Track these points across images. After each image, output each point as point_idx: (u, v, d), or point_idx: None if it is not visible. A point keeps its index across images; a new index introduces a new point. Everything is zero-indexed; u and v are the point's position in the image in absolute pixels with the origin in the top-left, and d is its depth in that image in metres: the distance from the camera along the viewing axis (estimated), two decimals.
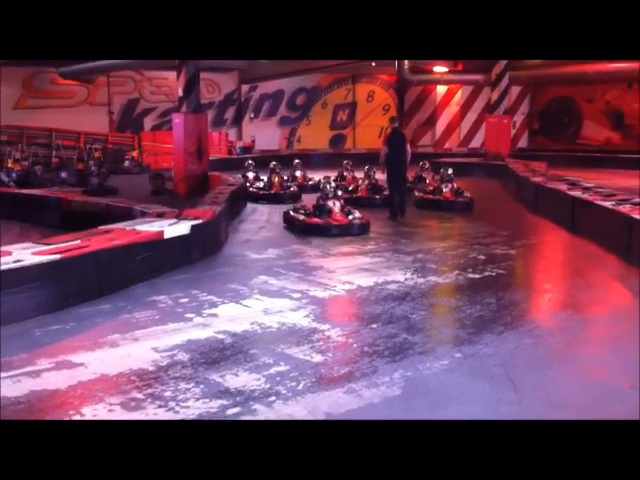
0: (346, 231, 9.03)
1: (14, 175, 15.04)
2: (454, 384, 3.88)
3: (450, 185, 12.00)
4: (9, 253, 5.40)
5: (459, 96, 24.92)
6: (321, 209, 9.53)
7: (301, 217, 9.53)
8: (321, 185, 10.22)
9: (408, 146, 10.89)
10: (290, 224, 9.60)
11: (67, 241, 5.91)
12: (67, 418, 3.40)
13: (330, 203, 9.55)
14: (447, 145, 25.14)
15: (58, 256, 5.36)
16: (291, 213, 9.79)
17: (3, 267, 4.96)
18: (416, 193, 12.47)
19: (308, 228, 9.14)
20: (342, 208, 9.55)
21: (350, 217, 9.35)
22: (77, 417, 3.42)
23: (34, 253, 5.39)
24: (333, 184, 10.39)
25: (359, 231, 9.09)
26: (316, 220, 9.26)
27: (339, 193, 11.36)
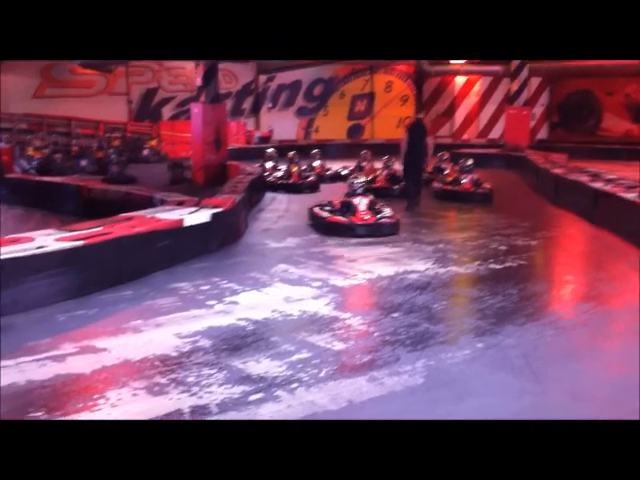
0: (373, 231, 8.19)
1: (35, 163, 15.11)
2: (476, 374, 3.87)
3: (470, 176, 11.91)
4: (32, 239, 5.44)
5: (478, 87, 24.74)
6: (347, 207, 8.71)
7: (325, 214, 8.67)
8: (349, 180, 9.33)
9: (428, 138, 11.02)
10: (314, 222, 8.82)
11: (89, 228, 5.95)
12: (91, 402, 3.43)
13: (356, 200, 8.69)
14: (465, 136, 24.98)
15: (81, 242, 5.40)
16: (315, 210, 8.93)
17: (27, 253, 5.00)
18: (435, 184, 12.41)
19: (331, 227, 8.35)
20: (370, 205, 8.73)
21: (378, 216, 8.50)
22: (102, 401, 3.45)
23: (57, 239, 5.43)
24: (362, 178, 9.45)
25: (388, 231, 8.24)
26: (339, 219, 8.42)
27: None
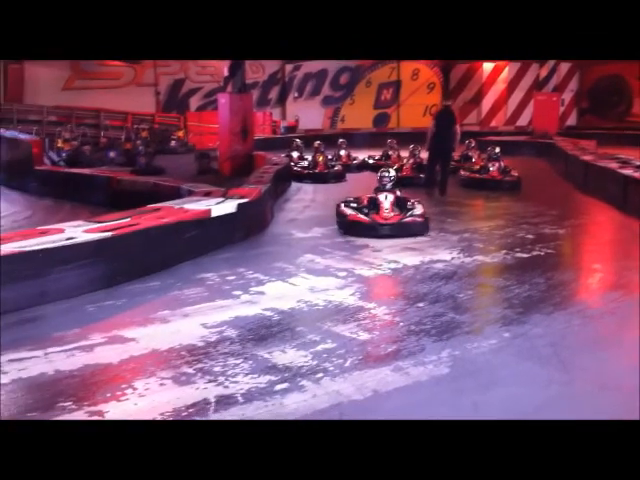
0: (396, 231, 7.46)
1: (64, 155, 15.31)
2: (503, 364, 3.85)
3: (497, 164, 11.82)
4: (61, 231, 5.52)
5: (506, 73, 24.45)
6: (373, 203, 7.96)
7: (347, 212, 7.87)
8: (379, 173, 8.44)
9: (457, 126, 10.97)
10: (339, 220, 8.00)
11: (117, 219, 6.01)
12: (119, 392, 3.48)
13: (381, 196, 7.91)
14: (493, 123, 24.74)
15: (109, 234, 5.46)
16: (341, 207, 8.07)
17: (56, 244, 5.08)
18: (462, 172, 12.32)
19: (352, 226, 7.66)
20: (398, 202, 7.98)
21: (407, 214, 7.74)
22: (129, 391, 3.50)
23: (86, 231, 5.51)
24: (392, 172, 8.48)
25: (415, 231, 7.53)
26: (361, 217, 7.71)
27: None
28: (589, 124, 23.50)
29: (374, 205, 7.95)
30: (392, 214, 7.79)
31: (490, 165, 11.86)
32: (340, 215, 8.00)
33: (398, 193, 8.16)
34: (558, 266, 6.18)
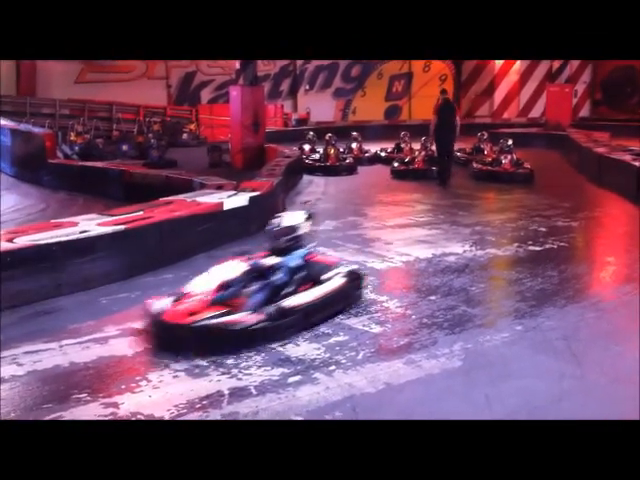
0: None
1: (77, 148, 15.36)
2: (515, 357, 3.86)
3: (509, 156, 11.76)
4: (75, 224, 5.56)
5: (518, 65, 24.29)
6: None
7: None
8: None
9: (458, 118, 11.42)
10: None
11: (131, 212, 6.04)
12: (134, 384, 3.51)
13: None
14: (506, 115, 24.62)
15: (122, 227, 5.49)
16: None
17: (70, 237, 5.12)
18: (474, 164, 12.29)
19: None
20: None
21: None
22: (144, 382, 3.53)
23: (99, 224, 5.54)
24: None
25: None
26: None
27: (395, 164, 11.70)
28: (602, 116, 23.32)
29: None
30: None
31: (502, 157, 11.81)
32: None
33: None
34: (571, 259, 6.16)
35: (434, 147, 12.18)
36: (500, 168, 11.67)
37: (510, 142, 12.06)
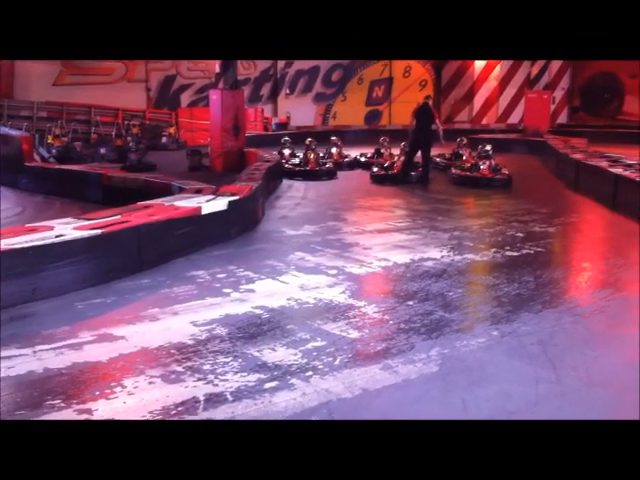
0: None
1: (54, 151, 15.24)
2: (492, 362, 3.87)
3: (488, 162, 11.87)
4: (51, 228, 5.51)
5: (498, 71, 24.52)
6: None
7: None
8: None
9: (437, 121, 12.00)
10: None
11: (108, 216, 6.00)
12: (108, 390, 3.48)
13: None
14: (485, 121, 24.81)
15: (99, 231, 5.44)
16: None
17: (46, 241, 5.06)
18: (453, 170, 12.38)
19: None
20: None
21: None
22: (118, 389, 3.49)
23: (75, 228, 5.49)
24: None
25: None
26: None
27: (374, 169, 12.00)
28: (581, 122, 23.59)
29: None
30: None
31: (481, 163, 11.91)
32: None
33: None
34: (548, 264, 6.20)
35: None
36: (478, 173, 11.77)
37: (489, 148, 12.14)
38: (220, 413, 3.22)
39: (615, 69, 22.96)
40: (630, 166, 9.60)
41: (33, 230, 5.40)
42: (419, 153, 12.01)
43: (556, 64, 22.89)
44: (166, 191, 8.47)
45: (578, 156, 11.63)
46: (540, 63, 19.15)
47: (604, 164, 10.08)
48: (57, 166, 12.94)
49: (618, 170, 9.30)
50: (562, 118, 24.46)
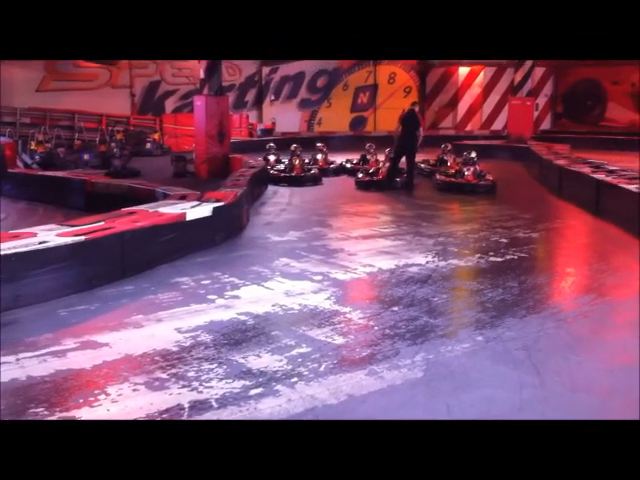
0: None
1: (37, 157, 15.16)
2: (476, 367, 3.88)
3: (472, 168, 11.94)
4: (34, 234, 5.46)
5: (481, 78, 24.67)
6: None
7: None
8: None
9: (421, 129, 12.05)
10: None
11: (91, 223, 5.96)
12: (92, 398, 3.45)
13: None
14: (469, 127, 24.94)
15: (82, 237, 5.41)
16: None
17: (29, 248, 5.02)
18: (437, 176, 12.45)
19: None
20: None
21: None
22: (102, 396, 3.47)
23: (58, 234, 5.45)
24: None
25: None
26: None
27: (359, 175, 12.08)
28: (564, 128, 23.78)
29: None
30: None
31: (465, 169, 11.99)
32: None
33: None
34: (531, 270, 6.24)
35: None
36: (463, 179, 11.85)
37: (474, 154, 12.20)
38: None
39: (598, 76, 23.19)
40: (612, 172, 9.69)
41: (16, 237, 5.36)
42: (404, 159, 12.06)
43: (539, 71, 23.09)
44: (150, 197, 8.44)
45: (561, 162, 11.72)
46: (523, 70, 19.29)
47: (587, 170, 10.17)
48: (40, 172, 12.87)
49: (601, 176, 9.38)
50: (545, 124, 24.66)
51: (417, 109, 12.36)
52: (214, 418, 3.22)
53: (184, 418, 3.23)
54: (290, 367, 3.86)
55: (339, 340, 4.31)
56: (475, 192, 11.37)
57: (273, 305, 5.03)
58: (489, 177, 11.93)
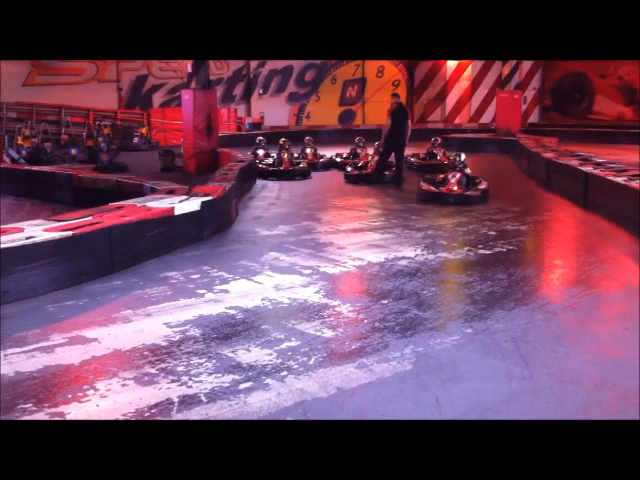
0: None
1: (24, 152, 15.06)
2: (465, 360, 3.89)
3: (458, 175, 10.24)
4: (21, 230, 5.43)
5: (469, 71, 24.72)
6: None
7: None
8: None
9: (409, 122, 12.01)
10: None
11: (79, 217, 5.93)
12: (81, 393, 3.44)
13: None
14: (457, 121, 24.99)
15: (70, 232, 5.38)
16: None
17: (16, 244, 4.99)
18: (422, 182, 10.55)
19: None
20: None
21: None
22: (91, 392, 3.46)
23: (46, 230, 5.42)
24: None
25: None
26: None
27: (348, 169, 12.04)
28: (552, 121, 23.88)
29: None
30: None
31: (450, 176, 10.34)
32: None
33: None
34: (520, 262, 6.26)
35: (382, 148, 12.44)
36: (445, 189, 10.10)
37: (463, 157, 10.46)
38: (194, 414, 3.20)
39: (585, 69, 23.28)
40: (600, 164, 9.73)
41: (3, 232, 5.32)
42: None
43: (527, 64, 23.17)
44: (138, 192, 8.41)
45: (549, 155, 11.75)
46: (511, 64, 19.31)
47: (574, 163, 10.20)
48: (27, 167, 12.77)
49: (588, 168, 9.42)
50: (533, 118, 24.74)
51: (400, 100, 12.31)
52: (203, 412, 3.22)
53: (174, 414, 3.22)
54: (280, 361, 3.86)
55: (328, 333, 4.31)
56: (463, 204, 9.54)
57: (262, 299, 5.03)
58: (480, 186, 10.14)
